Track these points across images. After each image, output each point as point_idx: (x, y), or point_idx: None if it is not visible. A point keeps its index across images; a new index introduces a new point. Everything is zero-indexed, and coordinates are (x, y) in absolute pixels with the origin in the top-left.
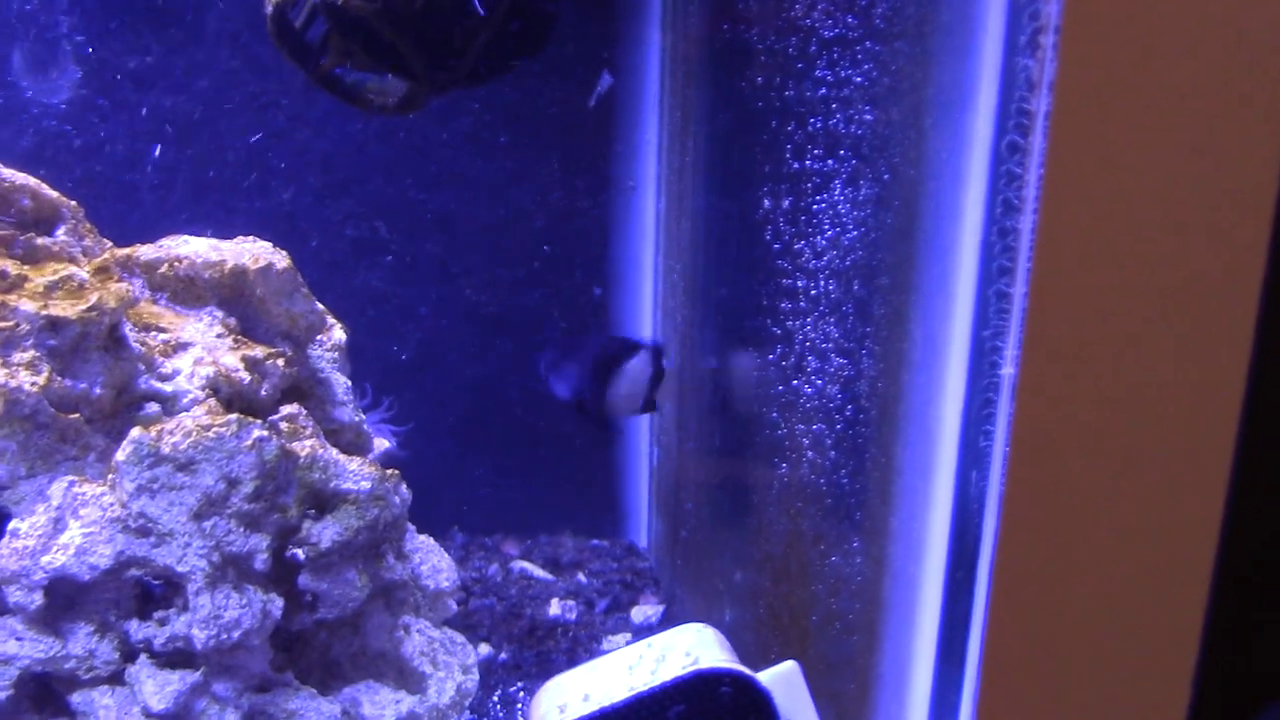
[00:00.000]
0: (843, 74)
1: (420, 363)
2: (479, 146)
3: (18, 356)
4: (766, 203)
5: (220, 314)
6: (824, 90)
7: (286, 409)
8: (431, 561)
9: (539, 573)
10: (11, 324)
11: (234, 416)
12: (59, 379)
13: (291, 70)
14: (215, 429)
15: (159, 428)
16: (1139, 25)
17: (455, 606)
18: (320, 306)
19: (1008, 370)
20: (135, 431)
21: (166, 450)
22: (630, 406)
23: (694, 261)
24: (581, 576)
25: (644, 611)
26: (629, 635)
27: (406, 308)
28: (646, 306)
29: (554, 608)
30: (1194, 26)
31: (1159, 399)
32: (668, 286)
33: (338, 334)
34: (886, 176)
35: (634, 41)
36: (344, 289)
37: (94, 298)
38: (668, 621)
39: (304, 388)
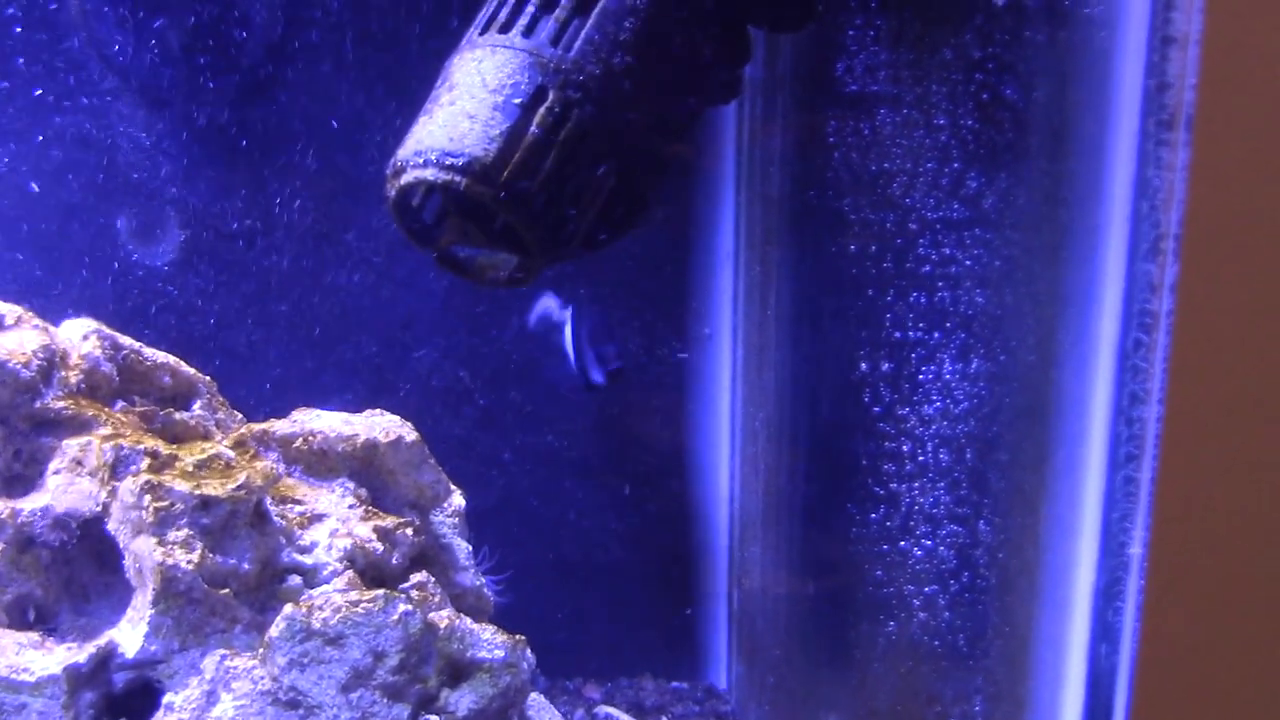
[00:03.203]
0: (947, 253)
1: (502, 507)
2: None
3: (172, 535)
4: (863, 365)
5: (351, 485)
6: (927, 268)
7: (416, 577)
8: None
9: (624, 718)
10: (167, 503)
11: (381, 592)
12: (211, 556)
13: (379, 227)
14: (364, 604)
15: (309, 604)
16: (1255, 233)
17: None
18: (444, 475)
19: (1135, 550)
20: (288, 608)
21: (317, 625)
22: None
23: (779, 411)
24: None
25: None
26: None
27: (490, 454)
28: (724, 451)
29: None
30: None
31: None
32: (748, 434)
33: (457, 500)
34: (1002, 357)
35: (708, 197)
36: (430, 435)
37: (242, 477)
38: None
39: (429, 554)
